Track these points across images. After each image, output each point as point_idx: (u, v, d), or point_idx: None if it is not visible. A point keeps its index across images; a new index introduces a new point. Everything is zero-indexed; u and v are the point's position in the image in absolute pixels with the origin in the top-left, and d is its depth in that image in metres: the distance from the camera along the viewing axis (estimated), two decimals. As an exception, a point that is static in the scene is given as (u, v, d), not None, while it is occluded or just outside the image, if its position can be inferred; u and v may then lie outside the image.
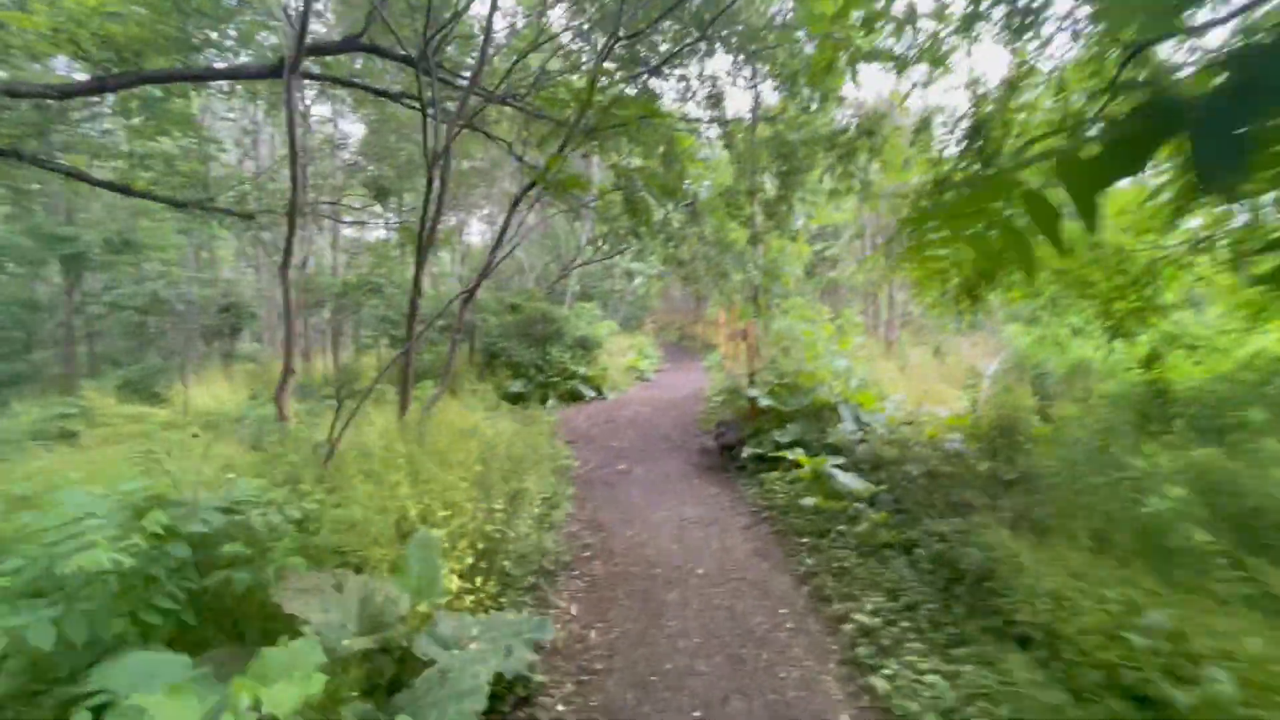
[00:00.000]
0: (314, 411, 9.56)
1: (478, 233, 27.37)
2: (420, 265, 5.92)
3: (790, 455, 5.17)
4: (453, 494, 3.90)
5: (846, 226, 15.46)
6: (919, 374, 7.57)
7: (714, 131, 8.27)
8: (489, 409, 9.48)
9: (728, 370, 12.00)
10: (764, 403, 6.51)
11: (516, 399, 10.95)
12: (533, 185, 5.10)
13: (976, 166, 4.75)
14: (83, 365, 15.16)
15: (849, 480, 4.29)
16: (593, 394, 11.68)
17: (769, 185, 7.58)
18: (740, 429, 7.22)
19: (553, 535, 4.65)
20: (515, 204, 5.11)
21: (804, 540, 4.42)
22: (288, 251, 5.30)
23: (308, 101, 12.65)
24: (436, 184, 5.31)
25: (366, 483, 3.39)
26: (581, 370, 11.76)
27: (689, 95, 7.71)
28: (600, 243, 12.81)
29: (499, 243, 5.66)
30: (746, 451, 6.23)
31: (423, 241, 5.80)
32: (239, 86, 8.89)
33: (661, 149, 7.05)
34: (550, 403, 11.08)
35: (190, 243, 15.82)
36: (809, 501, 4.37)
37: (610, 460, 7.40)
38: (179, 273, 13.87)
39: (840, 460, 4.88)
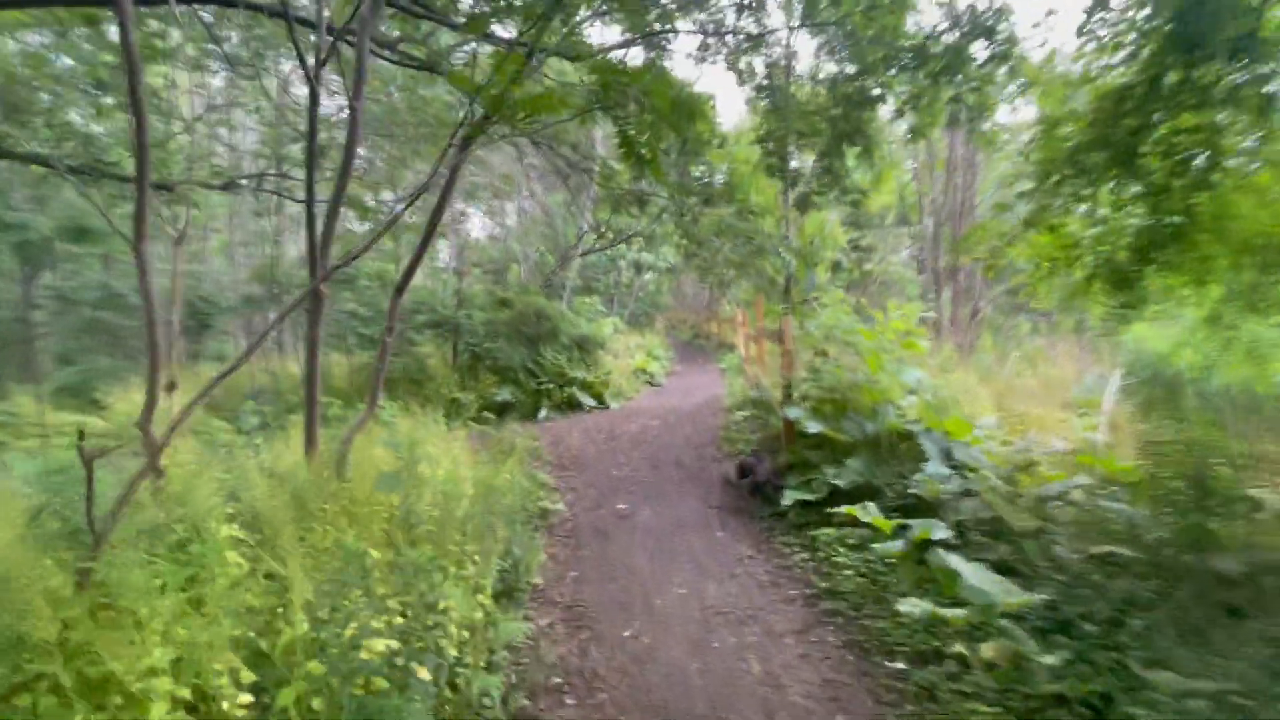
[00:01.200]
0: (248, 429, 8.05)
1: (480, 228, 25.92)
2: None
3: (864, 516, 3.53)
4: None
5: (884, 212, 13.74)
6: (1004, 388, 5.88)
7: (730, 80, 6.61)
8: (465, 425, 7.92)
9: (750, 377, 10.36)
10: (809, 427, 4.87)
11: (503, 410, 9.38)
12: (487, 119, 3.49)
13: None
14: (39, 366, 13.83)
15: (978, 579, 2.64)
16: (593, 403, 10.08)
17: (807, 149, 5.94)
18: (774, 460, 5.59)
19: (505, 641, 3.05)
20: (453, 137, 3.49)
21: (899, 669, 2.78)
22: (139, 218, 3.72)
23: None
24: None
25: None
26: (580, 375, 10.17)
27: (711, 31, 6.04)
28: (603, 229, 11.19)
29: (441, 204, 4.06)
30: (788, 497, 4.59)
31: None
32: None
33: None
34: (543, 414, 9.49)
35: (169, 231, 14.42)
36: (908, 608, 2.73)
37: (608, 496, 5.79)
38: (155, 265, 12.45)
39: (940, 527, 3.24)
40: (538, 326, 10.33)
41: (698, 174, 7.81)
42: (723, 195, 6.68)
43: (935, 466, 4.05)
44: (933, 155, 13.15)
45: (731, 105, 47.34)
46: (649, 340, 17.38)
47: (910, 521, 3.42)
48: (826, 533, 4.16)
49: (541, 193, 16.44)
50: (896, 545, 3.16)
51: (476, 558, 3.10)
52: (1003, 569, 3.06)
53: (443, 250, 18.02)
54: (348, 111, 3.76)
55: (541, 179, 17.57)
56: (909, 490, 3.88)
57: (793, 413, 5.15)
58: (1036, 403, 5.43)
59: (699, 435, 7.96)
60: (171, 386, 4.85)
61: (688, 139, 6.79)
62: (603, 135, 9.63)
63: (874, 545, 3.78)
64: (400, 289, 4.12)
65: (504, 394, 9.46)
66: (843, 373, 5.21)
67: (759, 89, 5.79)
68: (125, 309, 11.69)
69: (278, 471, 3.57)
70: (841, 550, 3.91)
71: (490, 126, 3.50)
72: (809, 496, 4.52)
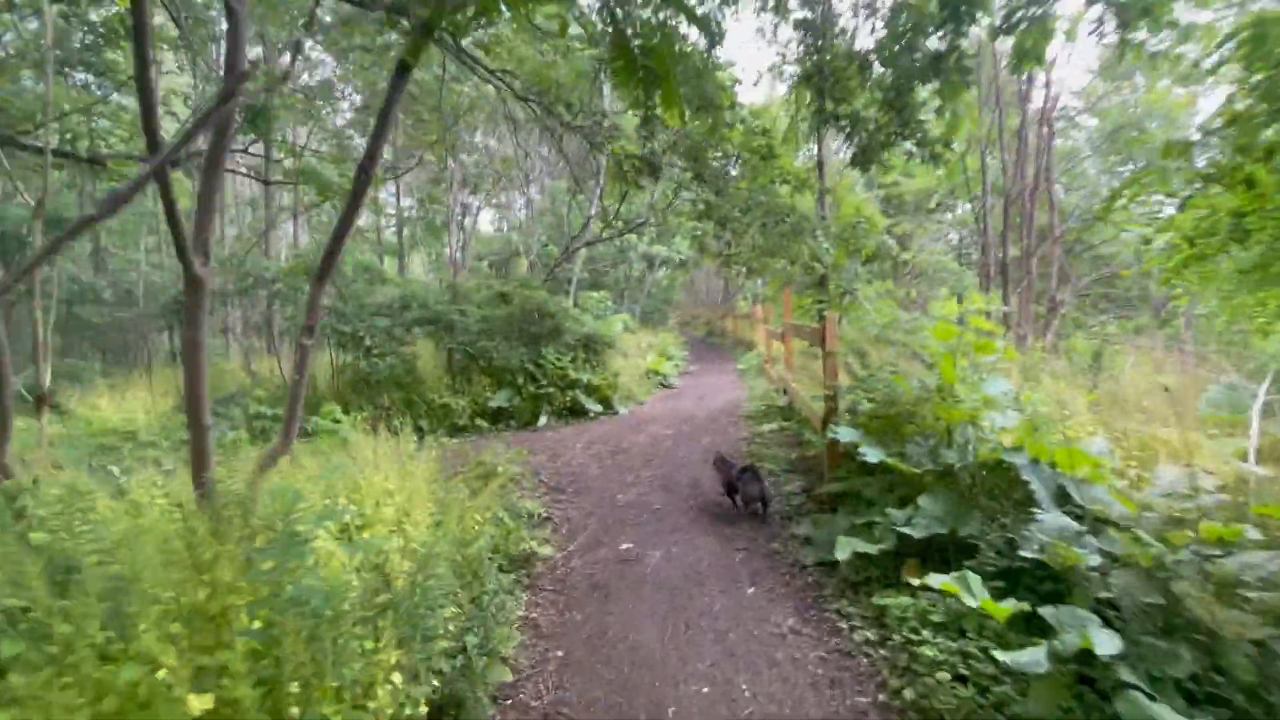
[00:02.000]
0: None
1: (489, 221, 24.95)
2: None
3: (970, 598, 2.46)
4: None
5: (921, 197, 12.54)
6: (1105, 400, 4.74)
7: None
8: (446, 438, 6.95)
9: (775, 380, 9.28)
10: (867, 454, 3.78)
11: (499, 416, 8.37)
12: (428, 30, 2.44)
13: None
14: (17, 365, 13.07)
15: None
16: (599, 409, 9.05)
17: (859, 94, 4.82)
18: (815, 484, 4.50)
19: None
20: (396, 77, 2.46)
21: None
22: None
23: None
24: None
25: None
26: (585, 378, 9.13)
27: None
28: (612, 217, 10.14)
29: (372, 152, 3.04)
30: (842, 547, 3.51)
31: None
32: None
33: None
34: (543, 421, 8.47)
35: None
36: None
37: (610, 530, 4.76)
38: (134, 256, 11.64)
39: (1105, 635, 2.16)
40: (539, 324, 9.31)
41: (716, 157, 6.78)
42: (749, 168, 5.62)
43: (1052, 515, 2.95)
44: (995, 106, 11.78)
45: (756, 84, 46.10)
46: (661, 338, 16.32)
47: (1042, 611, 2.34)
48: (899, 602, 3.08)
49: (548, 181, 15.43)
50: (1036, 660, 2.09)
51: (396, 677, 2.06)
52: (1206, 701, 1.97)
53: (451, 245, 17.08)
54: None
55: (550, 171, 16.56)
56: (1022, 553, 2.79)
57: (844, 434, 4.06)
58: (1150, 419, 4.30)
59: (720, 447, 6.90)
60: (45, 405, 3.91)
61: (703, 107, 5.76)
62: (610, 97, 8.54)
63: (971, 631, 2.71)
64: (321, 275, 3.11)
65: (500, 399, 8.45)
66: (905, 383, 4.11)
67: (798, 25, 4.68)
68: (96, 304, 10.88)
69: (152, 519, 2.58)
70: (925, 633, 2.84)
71: (429, 44, 2.47)
72: (869, 548, 3.44)
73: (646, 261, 16.78)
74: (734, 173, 6.33)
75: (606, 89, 7.51)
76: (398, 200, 20.43)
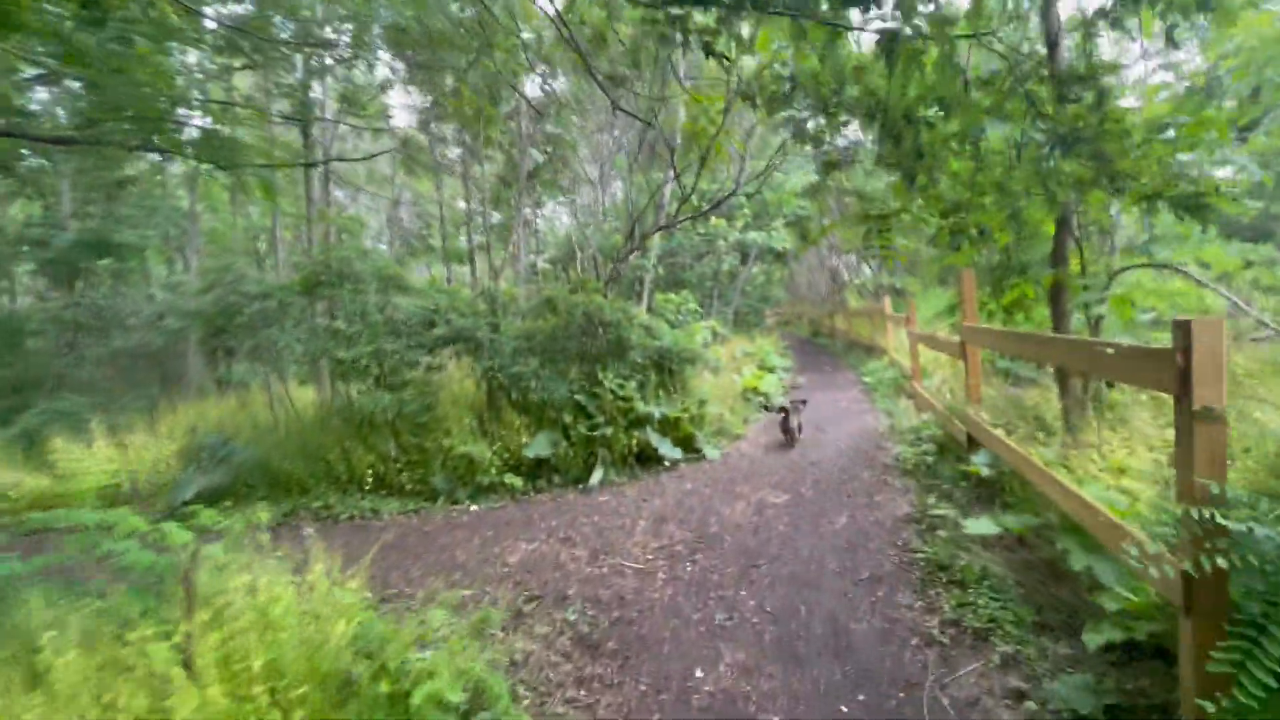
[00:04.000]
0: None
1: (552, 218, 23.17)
2: None
3: None
4: None
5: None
6: None
7: None
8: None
9: (927, 406, 6.32)
10: None
11: (537, 470, 6.07)
12: None
13: None
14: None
15: None
16: (678, 455, 6.52)
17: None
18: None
19: None
20: None
21: None
22: None
23: None
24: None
25: None
26: (658, 411, 6.64)
27: None
28: (690, 192, 7.56)
29: None
30: None
31: None
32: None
33: None
34: (598, 476, 6.07)
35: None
36: None
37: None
38: (160, 272, 10.66)
39: None
40: (595, 338, 6.94)
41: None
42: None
43: None
44: None
45: None
46: (759, 344, 13.50)
47: None
48: None
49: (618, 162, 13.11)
50: None
51: None
52: None
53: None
54: None
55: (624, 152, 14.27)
56: None
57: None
58: None
59: (868, 534, 4.15)
60: None
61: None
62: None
63: None
64: None
65: (540, 445, 6.15)
66: None
67: None
68: (119, 332, 9.90)
69: None
70: None
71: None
72: None
73: (739, 254, 14.01)
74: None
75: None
76: (467, 202, 19.03)
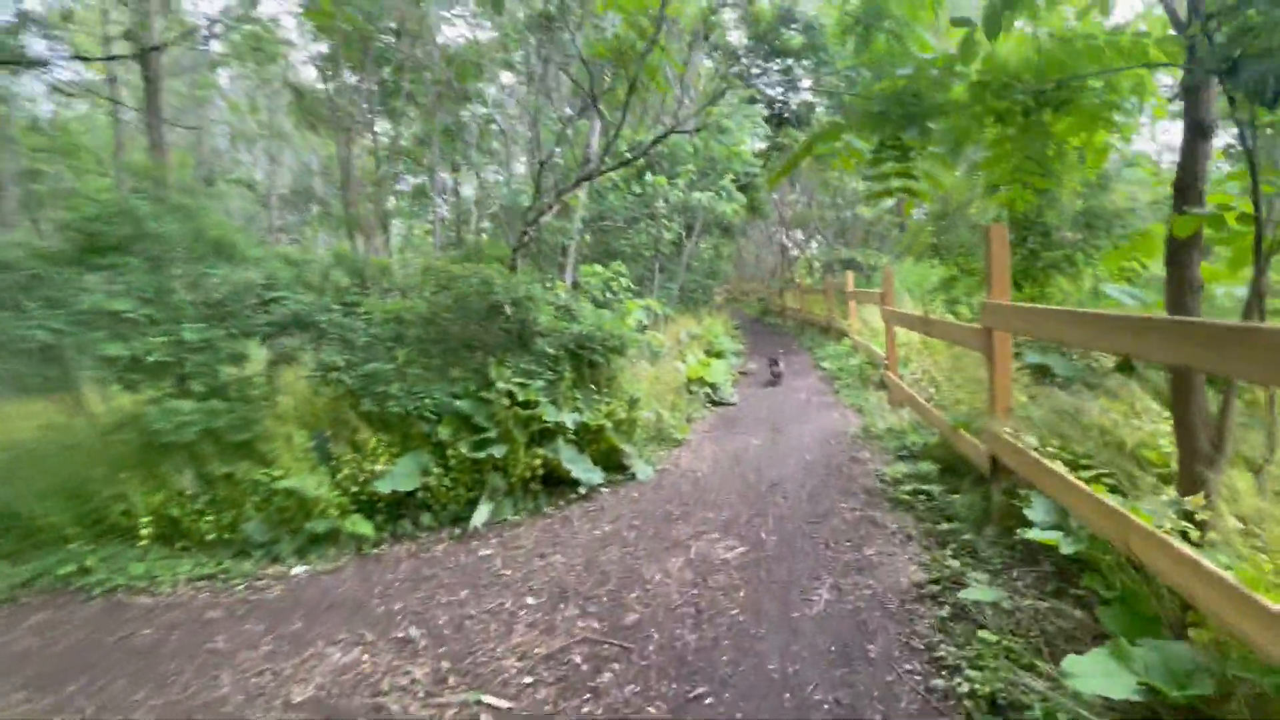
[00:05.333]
0: None
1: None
2: None
3: None
4: None
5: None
6: None
7: None
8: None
9: (906, 396, 4.92)
10: None
11: (400, 509, 4.36)
12: None
13: None
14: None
15: None
16: (597, 477, 4.91)
17: None
18: None
19: None
20: None
21: None
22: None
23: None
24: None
25: None
26: (571, 417, 5.01)
27: None
28: (618, 132, 5.84)
29: None
30: None
31: None
32: None
33: None
34: (484, 514, 4.39)
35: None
36: None
37: None
38: None
39: None
40: (488, 323, 5.22)
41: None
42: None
43: None
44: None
45: None
46: (708, 325, 12.01)
47: None
48: None
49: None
50: None
51: None
52: None
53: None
54: None
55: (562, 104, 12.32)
56: None
57: None
58: None
59: (866, 627, 2.68)
60: None
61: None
62: None
63: None
64: None
65: (403, 473, 4.41)
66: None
67: None
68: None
69: None
70: None
71: None
72: None
73: (685, 224, 12.37)
74: None
75: None
76: (377, 164, 16.62)
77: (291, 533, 4.22)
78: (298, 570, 3.95)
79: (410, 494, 4.39)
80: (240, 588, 3.82)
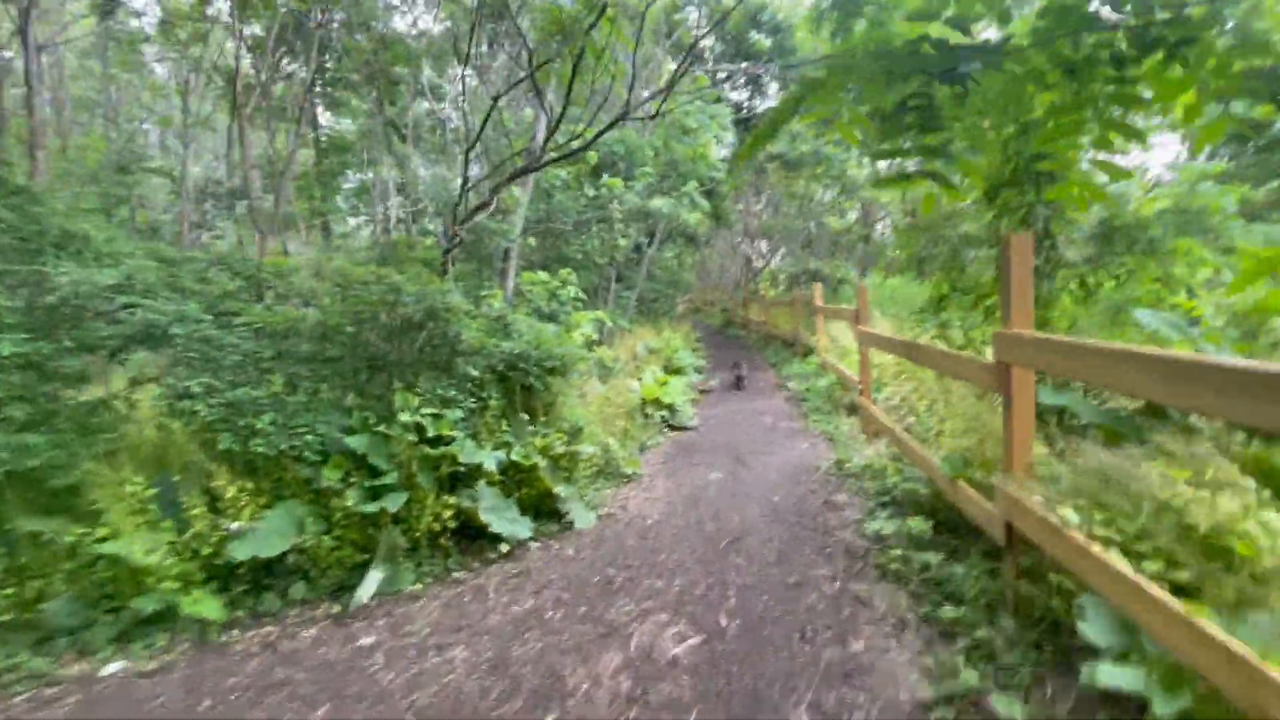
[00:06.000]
0: None
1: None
2: None
3: None
4: None
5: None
6: None
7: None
8: None
9: (883, 428, 4.21)
10: None
11: (267, 574, 3.39)
12: None
13: None
14: None
15: None
16: (523, 530, 4.04)
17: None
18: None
19: None
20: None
21: None
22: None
23: None
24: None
25: None
26: (494, 459, 4.14)
27: None
28: (561, 115, 5.05)
29: None
30: None
31: None
32: None
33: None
34: (372, 584, 3.48)
35: None
36: None
37: None
38: None
39: None
40: (398, 339, 4.31)
41: None
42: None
43: None
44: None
45: None
46: (668, 338, 11.26)
47: None
48: None
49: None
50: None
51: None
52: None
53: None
54: None
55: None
56: None
57: None
58: None
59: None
60: None
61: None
62: None
63: None
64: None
65: (268, 532, 3.46)
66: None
67: None
68: None
69: None
70: None
71: None
72: None
73: (647, 231, 11.60)
74: None
75: None
76: (320, 157, 15.38)
77: (112, 613, 3.23)
78: (110, 669, 2.97)
79: (279, 558, 3.45)
80: (21, 696, 2.82)
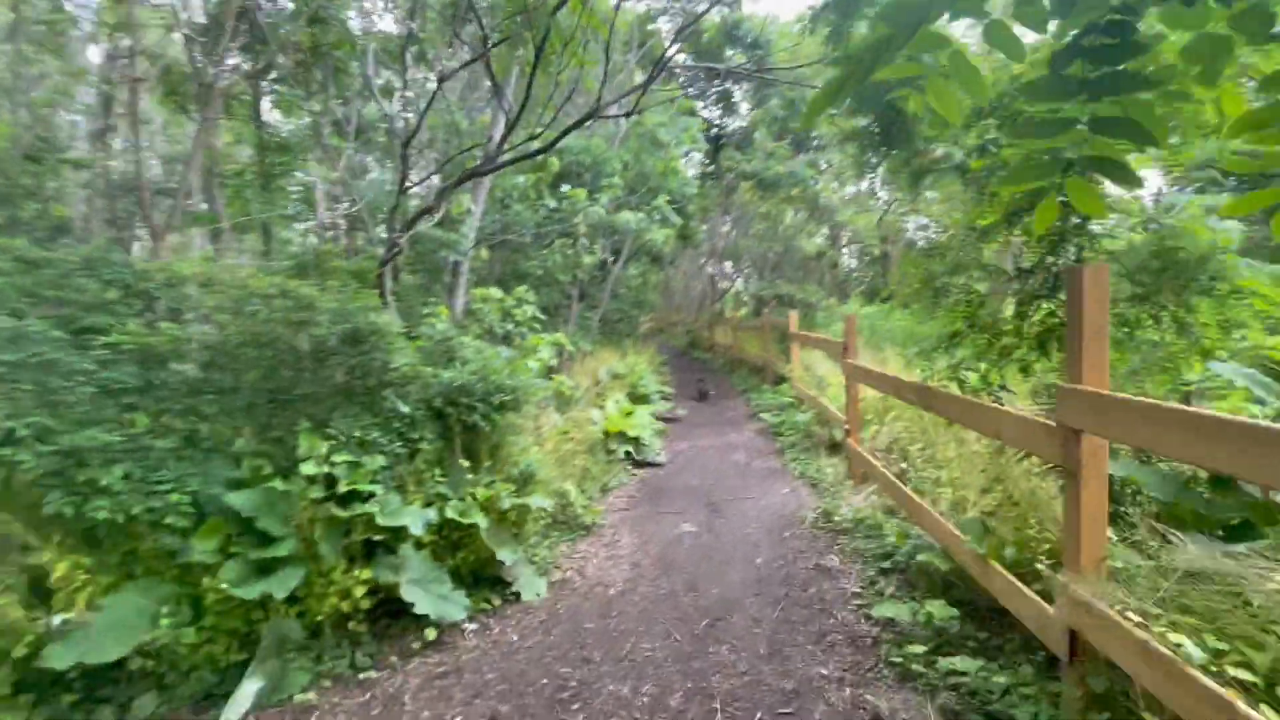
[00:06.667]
0: None
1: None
2: None
3: None
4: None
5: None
6: None
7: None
8: None
9: (877, 474, 3.62)
10: None
11: (111, 679, 2.48)
12: None
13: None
14: None
15: None
16: (456, 610, 3.26)
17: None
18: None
19: None
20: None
21: None
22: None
23: None
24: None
25: None
26: (419, 521, 3.36)
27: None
28: (521, 111, 4.39)
29: None
30: None
31: None
32: None
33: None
34: (248, 696, 2.63)
35: None
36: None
37: None
38: None
39: None
40: (310, 367, 3.52)
41: None
42: None
43: None
44: None
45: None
46: (632, 363, 10.60)
47: None
48: None
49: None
50: None
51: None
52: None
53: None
54: None
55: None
56: None
57: None
58: None
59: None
60: None
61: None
62: None
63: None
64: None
65: (114, 621, 2.62)
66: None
67: None
68: None
69: None
70: None
71: None
72: None
73: (612, 246, 10.96)
74: None
75: None
76: (262, 157, 14.24)
77: None
78: None
79: (119, 663, 2.59)
80: None
